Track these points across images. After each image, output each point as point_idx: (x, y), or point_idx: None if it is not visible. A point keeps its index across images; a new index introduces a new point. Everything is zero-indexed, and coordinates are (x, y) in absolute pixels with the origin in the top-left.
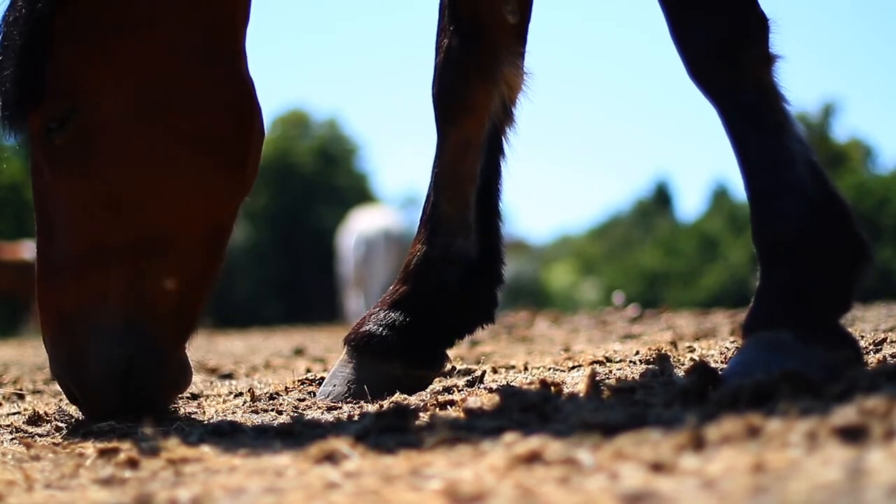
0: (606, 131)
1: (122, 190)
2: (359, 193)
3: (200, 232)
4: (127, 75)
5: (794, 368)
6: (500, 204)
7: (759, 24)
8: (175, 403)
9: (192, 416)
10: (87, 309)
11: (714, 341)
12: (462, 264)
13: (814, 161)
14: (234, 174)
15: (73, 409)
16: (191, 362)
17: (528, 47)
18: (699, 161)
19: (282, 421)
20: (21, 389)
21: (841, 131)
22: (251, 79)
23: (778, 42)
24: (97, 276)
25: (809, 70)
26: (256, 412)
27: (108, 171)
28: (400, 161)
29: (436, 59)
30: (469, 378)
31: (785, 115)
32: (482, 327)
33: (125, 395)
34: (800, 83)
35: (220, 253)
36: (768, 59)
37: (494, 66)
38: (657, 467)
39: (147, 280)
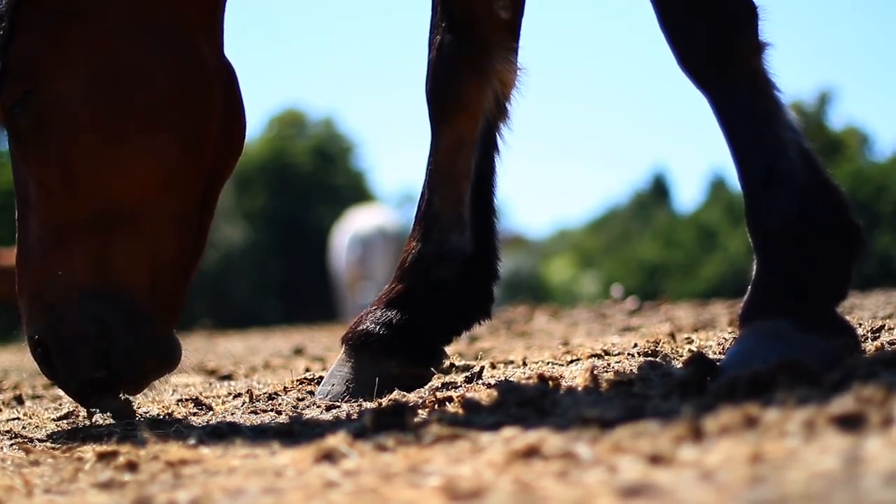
0: (603, 124)
1: (78, 167)
2: (356, 192)
3: (161, 205)
4: (79, 56)
5: (791, 357)
6: (495, 200)
7: (749, 13)
8: (160, 381)
9: (195, 415)
10: (57, 280)
11: (713, 332)
12: (457, 261)
13: (806, 148)
14: (190, 148)
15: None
16: (187, 357)
17: (523, 42)
18: (696, 152)
19: (281, 421)
20: (20, 395)
21: (837, 119)
22: (222, 66)
23: (767, 30)
24: (64, 250)
25: (805, 58)
26: (255, 412)
27: (64, 150)
28: (396, 159)
29: (429, 56)
30: (468, 374)
31: (776, 104)
32: (479, 323)
33: (103, 360)
34: (795, 71)
35: (188, 228)
36: (758, 48)
37: (487, 62)
38: (655, 459)
39: (114, 252)
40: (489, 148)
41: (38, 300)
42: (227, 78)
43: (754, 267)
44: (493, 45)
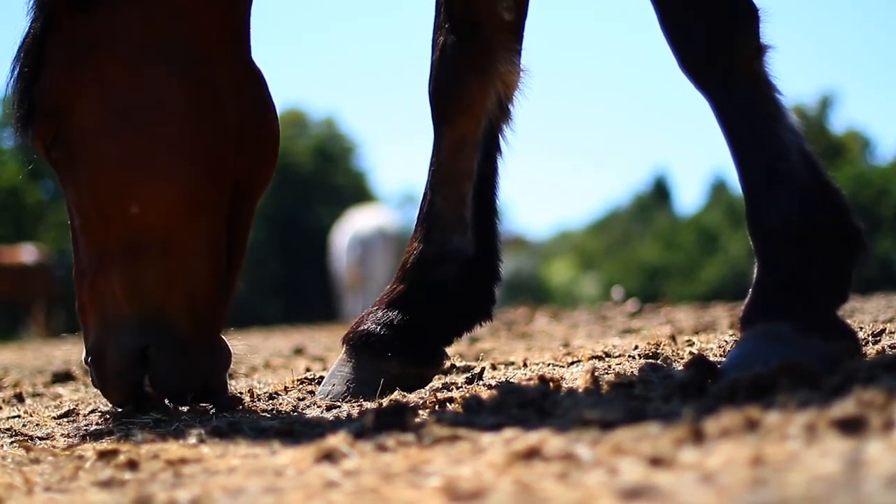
0: (604, 126)
1: (103, 198)
2: (357, 192)
3: (186, 228)
4: (96, 88)
5: (792, 360)
6: (497, 201)
7: (750, 15)
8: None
9: (195, 415)
10: (103, 307)
11: (713, 335)
12: (459, 262)
13: (807, 151)
14: (208, 168)
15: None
16: (243, 354)
17: (526, 43)
18: (697, 154)
19: (281, 421)
20: (21, 392)
21: (839, 123)
22: (241, 65)
23: (769, 32)
24: (104, 276)
25: (807, 61)
26: (256, 412)
27: (90, 181)
28: (398, 159)
29: (432, 56)
30: (468, 375)
31: (777, 106)
32: (480, 324)
33: (143, 382)
34: (797, 75)
35: (222, 242)
36: (760, 50)
37: (490, 63)
38: (656, 461)
39: (148, 278)
40: (491, 149)
41: (84, 322)
42: (250, 85)
43: (755, 269)
44: (496, 46)
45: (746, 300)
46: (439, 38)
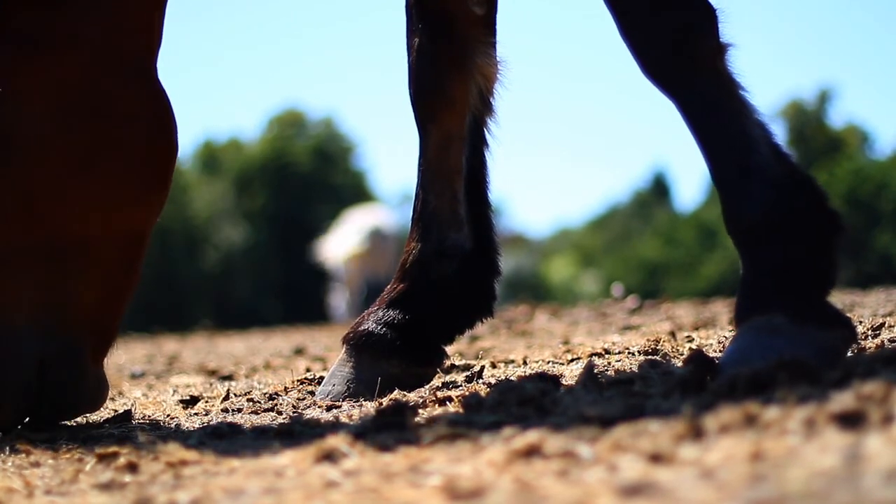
0: (603, 123)
1: (36, 192)
2: (356, 192)
3: (113, 240)
4: (43, 83)
5: (790, 352)
6: (489, 195)
7: (708, 15)
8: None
9: (196, 415)
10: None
11: (713, 331)
12: (458, 257)
13: (775, 143)
14: (149, 186)
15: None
16: (107, 376)
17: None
18: (696, 151)
19: (281, 421)
20: None
21: (837, 117)
22: (166, 96)
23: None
24: (10, 276)
25: (805, 56)
26: (256, 413)
27: (24, 173)
28: (397, 158)
29: (409, 59)
30: (468, 373)
31: (742, 102)
32: (481, 321)
33: (38, 399)
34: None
35: (135, 265)
36: (721, 49)
37: (468, 58)
38: (656, 458)
39: (58, 285)
40: (478, 143)
41: None
42: (170, 105)
43: (741, 266)
44: (471, 40)
45: (736, 298)
46: (413, 41)
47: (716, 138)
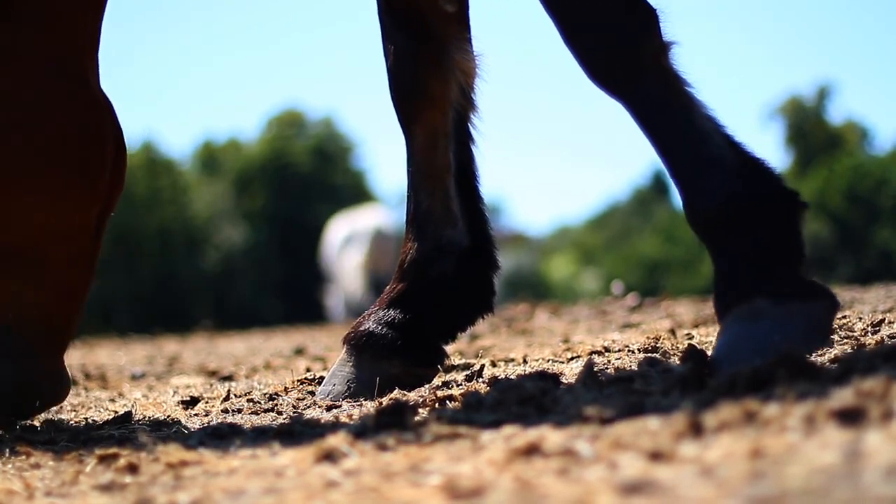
0: (603, 121)
1: None
2: (356, 191)
3: (52, 241)
4: None
5: (779, 334)
6: (480, 189)
7: (648, 16)
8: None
9: (196, 416)
10: None
11: (713, 328)
12: (455, 254)
13: (726, 133)
14: (86, 186)
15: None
16: (70, 373)
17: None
18: None
19: (281, 421)
20: None
21: (837, 113)
22: (104, 95)
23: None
24: None
25: (804, 52)
26: (256, 413)
27: None
28: (397, 158)
29: (387, 63)
30: (468, 372)
31: (690, 97)
32: (482, 317)
33: None
34: (794, 66)
35: (83, 262)
36: (663, 48)
37: (445, 55)
38: (656, 456)
39: (7, 286)
40: (464, 139)
41: None
42: (111, 108)
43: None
44: (446, 38)
45: (714, 293)
46: (389, 45)
47: (668, 135)
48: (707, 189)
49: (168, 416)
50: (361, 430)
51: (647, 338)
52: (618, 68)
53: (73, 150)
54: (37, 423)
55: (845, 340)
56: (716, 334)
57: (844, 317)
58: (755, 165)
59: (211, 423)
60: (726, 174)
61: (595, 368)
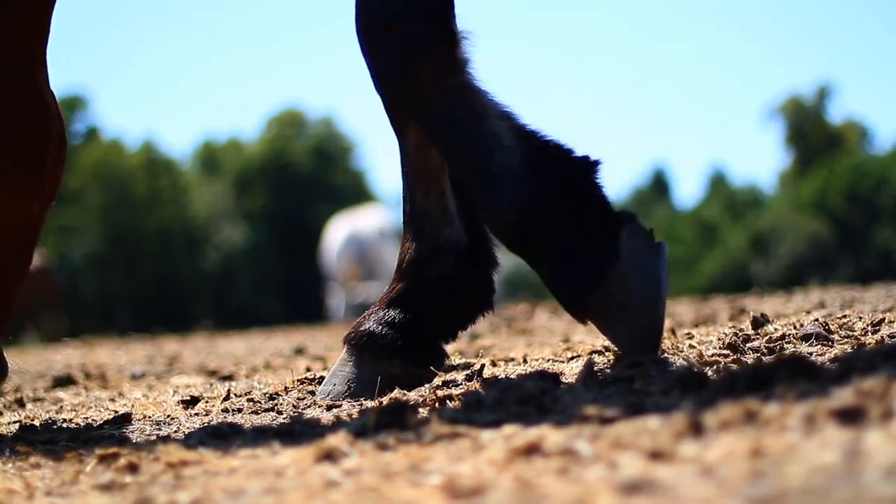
0: (602, 120)
1: None
2: (356, 191)
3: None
4: None
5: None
6: None
7: (440, 35)
8: None
9: (196, 416)
10: None
11: (713, 327)
12: (453, 252)
13: (518, 125)
14: (31, 187)
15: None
16: (9, 362)
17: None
18: (696, 148)
19: (281, 421)
20: (22, 398)
21: (837, 113)
22: (50, 91)
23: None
24: None
25: (804, 52)
26: (256, 413)
27: None
28: (396, 158)
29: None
30: (468, 372)
31: (483, 105)
32: (483, 315)
33: None
34: (795, 66)
35: (23, 256)
36: (454, 64)
37: None
38: (656, 455)
39: None
40: None
41: None
42: (56, 104)
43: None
44: None
45: (560, 292)
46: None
47: (458, 150)
48: (502, 202)
49: (168, 416)
50: (361, 430)
51: None
52: (406, 89)
53: (18, 148)
54: (37, 423)
55: (845, 340)
56: (716, 334)
57: (844, 316)
58: (546, 149)
59: (211, 423)
60: (515, 182)
61: (595, 368)
